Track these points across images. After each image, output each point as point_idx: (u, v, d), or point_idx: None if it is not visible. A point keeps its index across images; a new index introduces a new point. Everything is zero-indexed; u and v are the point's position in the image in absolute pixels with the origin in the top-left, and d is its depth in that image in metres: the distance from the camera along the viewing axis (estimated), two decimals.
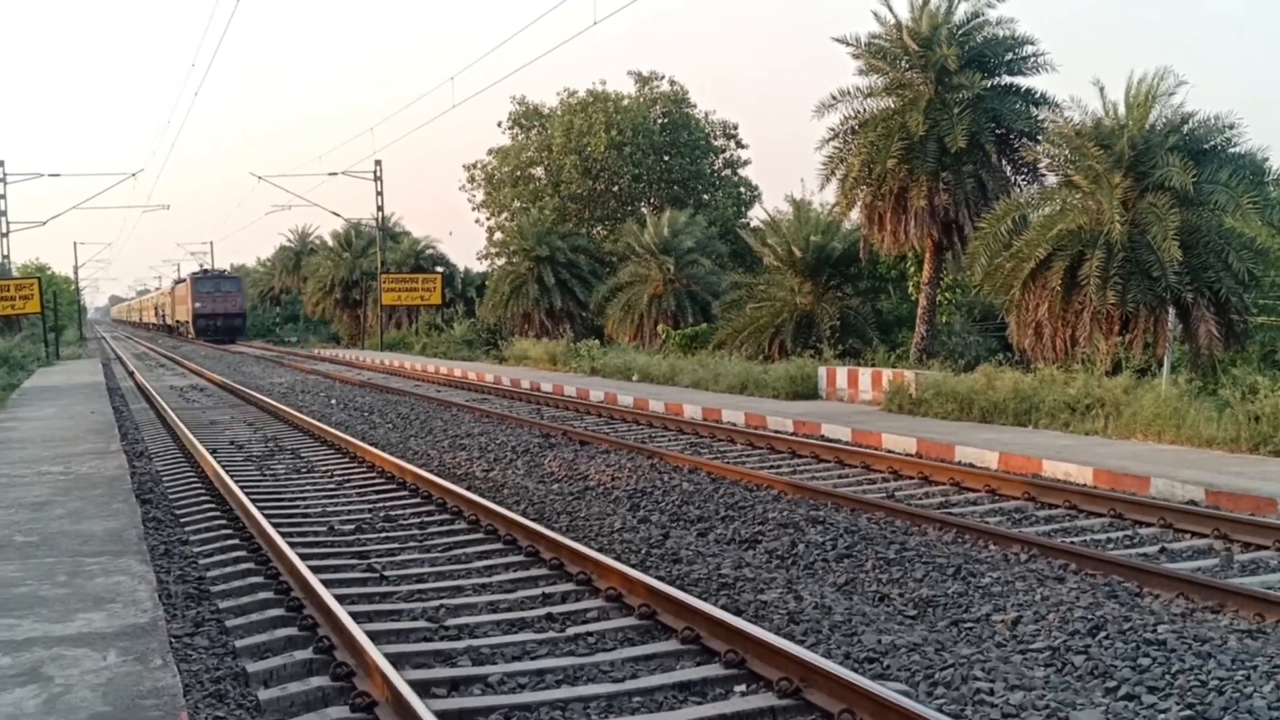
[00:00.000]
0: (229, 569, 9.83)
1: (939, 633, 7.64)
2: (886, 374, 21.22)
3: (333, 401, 26.00)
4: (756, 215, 50.61)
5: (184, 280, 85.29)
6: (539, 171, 55.96)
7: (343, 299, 68.49)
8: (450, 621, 8.13)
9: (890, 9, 28.00)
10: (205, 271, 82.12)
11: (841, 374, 22.71)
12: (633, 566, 9.21)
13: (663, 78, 57.37)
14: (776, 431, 18.20)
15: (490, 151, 58.22)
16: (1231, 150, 22.95)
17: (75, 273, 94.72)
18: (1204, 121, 22.97)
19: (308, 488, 14.33)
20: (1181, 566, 9.23)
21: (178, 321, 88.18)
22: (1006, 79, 28.22)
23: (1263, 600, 7.91)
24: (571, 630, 7.83)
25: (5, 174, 52.10)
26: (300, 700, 6.66)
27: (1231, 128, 22.89)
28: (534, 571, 9.52)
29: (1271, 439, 13.84)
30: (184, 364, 45.33)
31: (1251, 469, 12.69)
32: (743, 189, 57.69)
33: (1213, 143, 22.91)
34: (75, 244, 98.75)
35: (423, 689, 6.55)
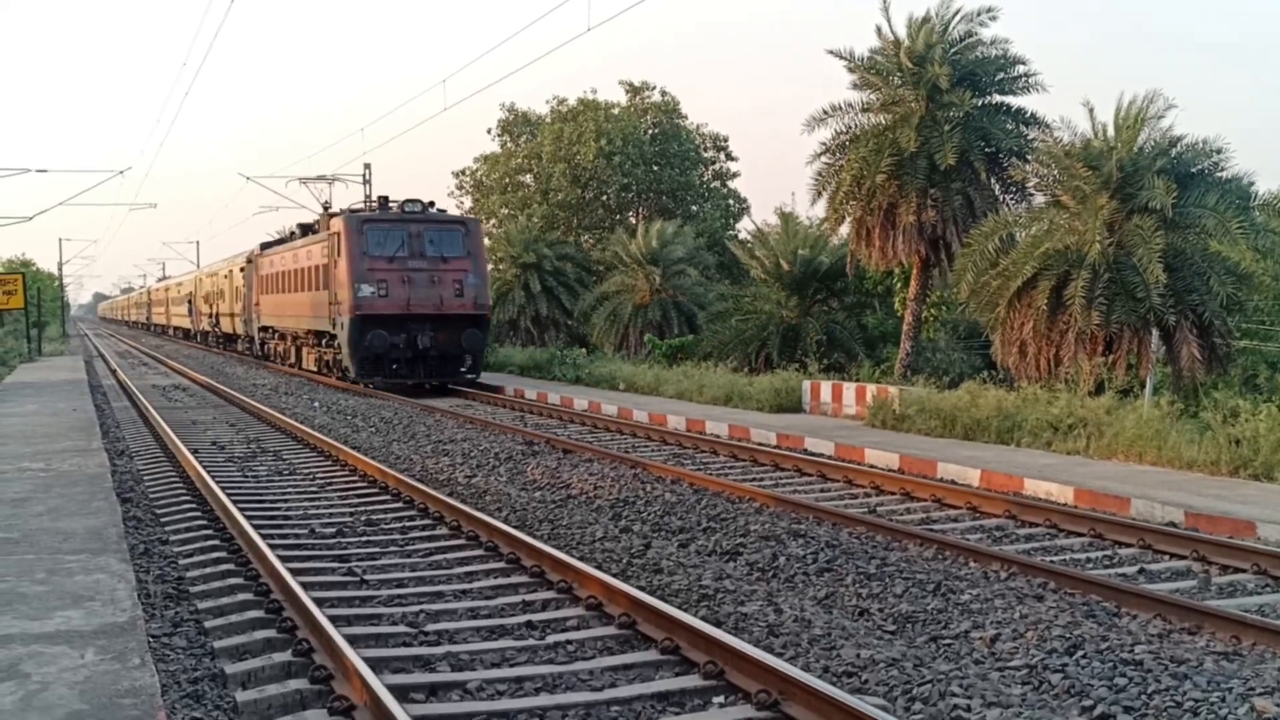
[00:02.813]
0: (209, 570, 9.82)
1: (918, 648, 7.67)
2: (871, 389, 21.26)
3: (315, 404, 25.95)
4: (745, 227, 50.75)
5: (311, 232, 35.91)
6: (528, 179, 55.95)
7: None
8: (430, 627, 8.13)
9: (890, 25, 28.15)
10: (384, 203, 31.56)
11: (826, 388, 22.74)
12: (614, 576, 9.21)
13: (654, 88, 57.46)
14: (760, 444, 18.21)
15: (478, 158, 58.19)
16: (1218, 175, 23.08)
17: (60, 269, 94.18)
18: (1191, 145, 23.10)
19: (289, 490, 14.31)
20: (1160, 587, 9.27)
21: (270, 329, 41.20)
22: (997, 98, 28.34)
23: (1239, 623, 7.95)
24: (551, 638, 7.84)
25: None
26: (278, 702, 6.66)
27: (1219, 152, 23.02)
28: (515, 579, 9.52)
29: (1251, 462, 13.91)
30: (167, 363, 45.16)
31: (1231, 492, 12.75)
32: (731, 201, 57.76)
33: (1200, 166, 23.02)
34: (60, 240, 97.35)
35: (401, 694, 6.55)
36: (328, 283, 30.51)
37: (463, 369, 29.88)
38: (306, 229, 37.03)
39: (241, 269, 46.05)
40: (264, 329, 42.21)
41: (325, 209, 36.21)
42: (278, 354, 40.67)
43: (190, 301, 65.41)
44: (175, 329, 77.05)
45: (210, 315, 57.13)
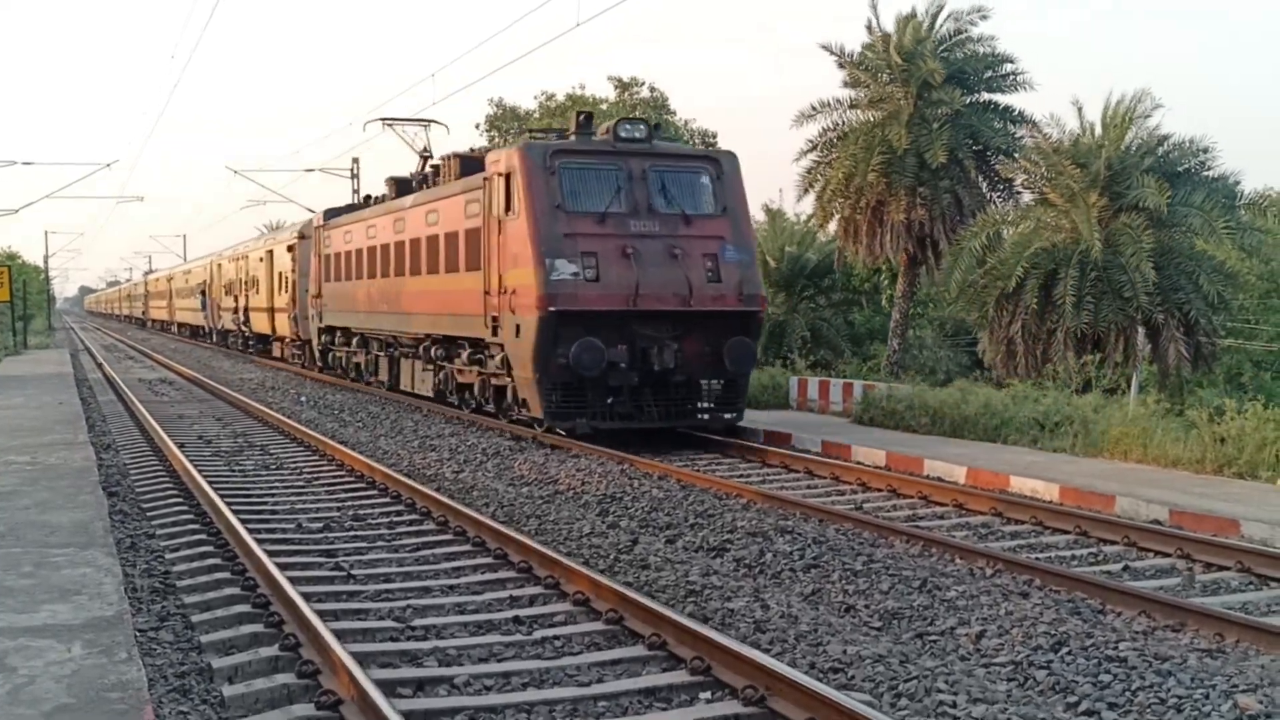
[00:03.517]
0: (195, 564, 9.80)
1: (904, 644, 7.69)
2: (857, 385, 21.30)
3: (302, 399, 25.90)
4: None
5: (410, 189, 24.94)
6: None
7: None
8: (417, 622, 8.14)
9: (878, 21, 28.28)
10: (583, 124, 18.62)
11: (813, 385, 22.77)
12: (601, 572, 9.23)
13: (642, 84, 57.41)
14: (747, 440, 18.23)
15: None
16: (1205, 174, 23.22)
17: (45, 262, 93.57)
18: (1179, 144, 23.27)
19: (276, 484, 14.28)
20: (1144, 585, 9.31)
21: (341, 331, 29.31)
22: (985, 96, 28.48)
23: (1223, 620, 8.00)
24: (539, 633, 7.85)
25: None
26: (265, 697, 6.65)
27: (1206, 151, 23.21)
28: (502, 574, 9.52)
29: (1236, 461, 13.98)
30: (153, 357, 45.03)
31: (1215, 490, 12.81)
32: None
33: (1187, 165, 23.18)
34: (46, 233, 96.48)
35: (389, 688, 6.55)
36: (476, 259, 19.08)
37: (705, 403, 18.02)
38: (403, 185, 25.68)
39: (290, 247, 34.90)
40: (329, 330, 30.34)
41: (424, 157, 26.79)
42: (354, 367, 28.60)
43: (204, 293, 52.67)
44: (181, 326, 63.46)
45: (236, 310, 44.56)
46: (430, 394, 22.61)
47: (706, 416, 17.95)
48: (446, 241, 20.83)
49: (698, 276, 17.29)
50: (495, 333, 18.42)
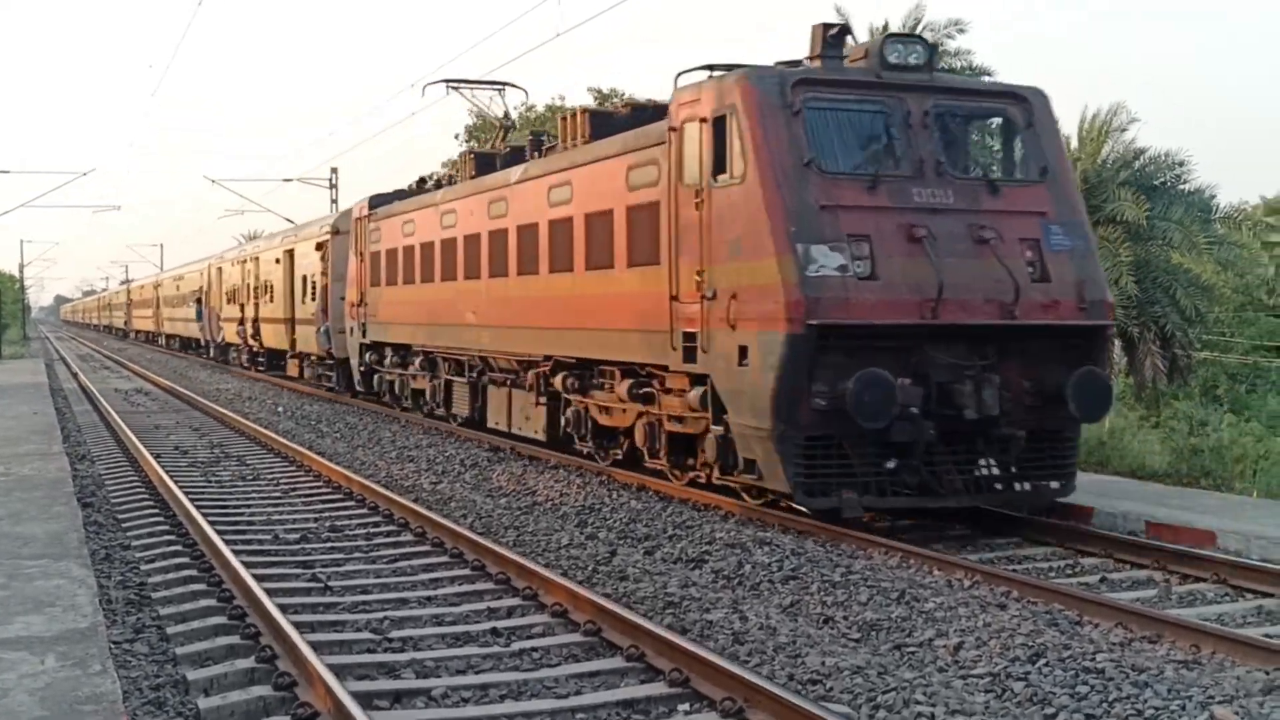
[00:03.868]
0: (171, 575, 9.75)
1: (882, 656, 7.70)
2: None
3: (279, 409, 25.81)
4: None
5: (490, 165, 19.52)
6: None
7: None
8: (395, 633, 8.10)
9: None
10: (832, 42, 12.33)
11: None
12: (579, 583, 9.21)
13: (624, 95, 57.44)
14: None
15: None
16: (1181, 187, 23.39)
17: (20, 271, 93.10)
18: (1154, 158, 23.45)
19: (253, 495, 14.22)
20: (1121, 596, 9.34)
21: (394, 350, 23.20)
22: None
23: (1199, 631, 8.02)
24: (516, 645, 7.82)
25: None
26: (241, 709, 6.62)
27: (1181, 165, 23.38)
28: (480, 585, 9.50)
29: (1212, 472, 14.07)
30: (129, 366, 44.80)
31: (1192, 502, 12.87)
32: None
33: (1163, 179, 23.34)
34: (21, 242, 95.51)
35: (365, 700, 6.52)
36: (648, 250, 13.41)
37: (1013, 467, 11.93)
38: (484, 161, 20.37)
39: (319, 245, 29.42)
40: (376, 347, 24.38)
41: (504, 127, 23.05)
42: (409, 395, 22.89)
43: (201, 301, 46.48)
44: (170, 339, 57.48)
45: (242, 321, 38.48)
46: (540, 436, 16.84)
47: (1028, 487, 11.92)
48: (589, 226, 14.99)
49: (1020, 272, 11.53)
50: (690, 357, 12.41)
